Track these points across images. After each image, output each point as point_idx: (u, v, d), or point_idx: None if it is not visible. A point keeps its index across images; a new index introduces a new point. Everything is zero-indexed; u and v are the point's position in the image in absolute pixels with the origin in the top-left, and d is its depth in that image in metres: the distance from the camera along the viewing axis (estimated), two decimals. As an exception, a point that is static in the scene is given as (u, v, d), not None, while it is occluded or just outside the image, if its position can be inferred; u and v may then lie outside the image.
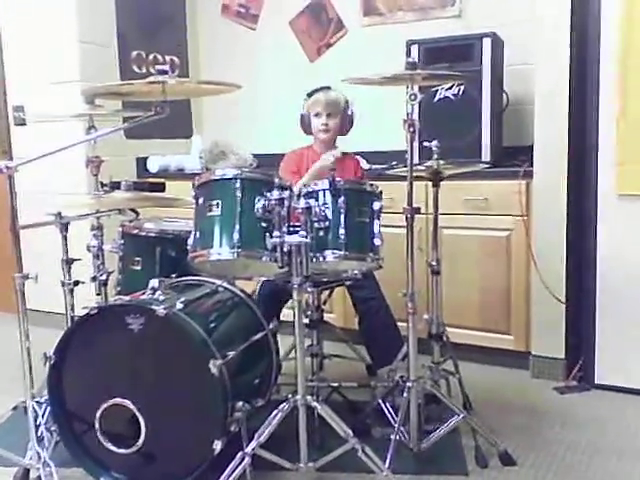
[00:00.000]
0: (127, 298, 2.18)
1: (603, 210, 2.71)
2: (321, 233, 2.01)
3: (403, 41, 3.13)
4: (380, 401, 2.36)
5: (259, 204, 1.95)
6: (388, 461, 2.00)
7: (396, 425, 2.12)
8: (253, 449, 1.92)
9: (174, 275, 2.34)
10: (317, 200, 2.03)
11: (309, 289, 2.23)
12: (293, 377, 2.01)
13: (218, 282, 2.35)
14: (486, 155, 2.98)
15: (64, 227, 2.31)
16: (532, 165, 2.83)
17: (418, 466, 2.15)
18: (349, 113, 2.71)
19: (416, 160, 2.12)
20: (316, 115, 2.69)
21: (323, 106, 2.67)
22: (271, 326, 2.32)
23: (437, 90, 3.03)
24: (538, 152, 2.82)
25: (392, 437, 2.08)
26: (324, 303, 2.70)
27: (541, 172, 2.82)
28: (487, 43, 2.96)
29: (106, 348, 2.05)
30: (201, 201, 2.03)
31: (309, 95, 2.71)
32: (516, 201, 2.85)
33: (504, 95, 3.18)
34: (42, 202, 2.16)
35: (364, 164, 3.27)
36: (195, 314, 2.09)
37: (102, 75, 3.62)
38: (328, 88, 2.70)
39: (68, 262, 2.37)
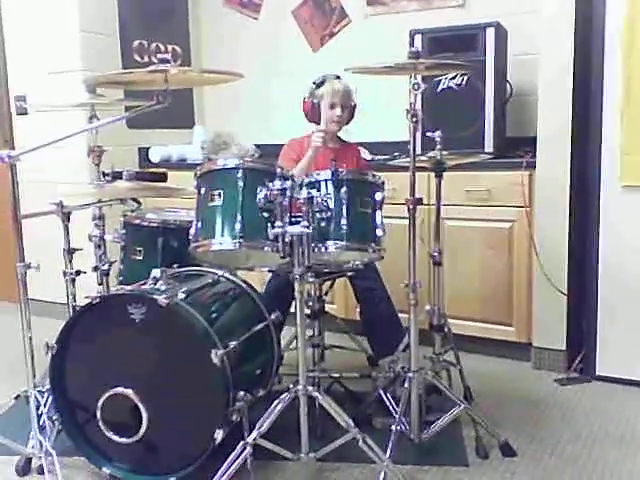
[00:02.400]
0: (129, 288, 2.17)
1: (606, 201, 2.70)
2: (323, 223, 2.00)
3: (407, 31, 3.11)
4: (381, 392, 2.37)
5: (261, 194, 1.94)
6: (389, 451, 2.00)
7: (397, 416, 2.12)
8: (254, 439, 1.93)
9: (176, 265, 2.34)
10: (319, 190, 2.02)
11: (311, 279, 2.24)
12: (294, 367, 2.01)
13: (220, 272, 2.35)
14: (489, 146, 2.97)
15: (66, 217, 2.31)
16: (535, 156, 2.82)
17: (419, 457, 2.15)
18: (354, 105, 2.68)
19: (419, 150, 2.11)
20: (330, 106, 2.62)
21: (340, 97, 2.60)
22: (273, 317, 2.32)
23: (440, 80, 3.02)
24: (541, 143, 2.80)
25: (393, 428, 2.08)
26: (325, 294, 2.70)
27: (544, 163, 2.80)
28: (491, 33, 2.94)
29: (108, 338, 2.05)
30: (203, 191, 2.03)
31: (319, 84, 2.63)
32: (519, 192, 2.84)
33: (508, 85, 3.17)
34: (44, 191, 2.16)
35: (367, 155, 3.26)
36: (197, 304, 2.09)
37: (104, 64, 3.60)
38: (338, 77, 2.65)
39: (70, 252, 2.37)
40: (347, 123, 2.71)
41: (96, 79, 2.21)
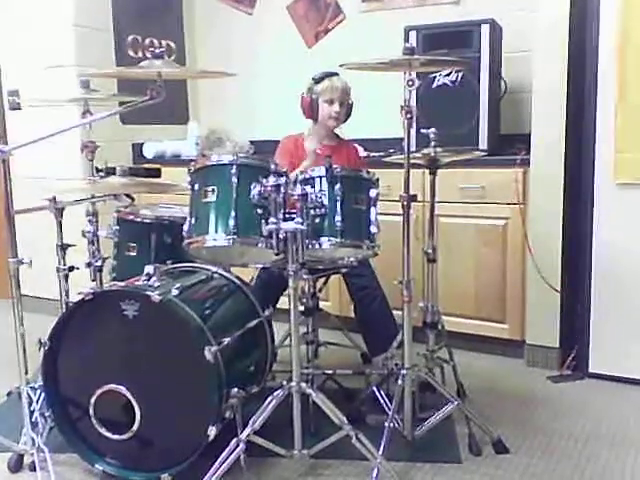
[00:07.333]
0: (122, 284, 2.17)
1: (600, 198, 2.70)
2: (317, 220, 2.00)
3: (401, 27, 3.11)
4: (375, 389, 2.37)
5: (255, 190, 1.94)
6: (382, 448, 2.00)
7: (390, 413, 2.12)
8: (247, 435, 1.93)
9: (169, 261, 2.33)
10: (313, 187, 2.01)
11: (305, 276, 2.23)
12: (288, 364, 2.01)
13: (213, 269, 2.34)
14: (483, 143, 2.97)
15: (59, 212, 2.30)
16: (529, 153, 2.82)
17: (412, 454, 2.15)
18: (351, 103, 2.68)
19: (413, 147, 2.10)
20: (329, 102, 2.63)
21: (339, 93, 2.62)
22: (267, 313, 2.32)
23: (435, 77, 3.01)
24: (535, 140, 2.80)
25: (386, 424, 2.08)
26: (320, 291, 2.69)
27: (538, 160, 2.81)
28: (485, 30, 2.94)
29: (101, 334, 2.04)
30: (197, 187, 2.02)
31: (318, 80, 2.64)
32: (513, 189, 2.84)
33: (502, 82, 3.17)
34: (37, 187, 2.14)
35: (361, 151, 3.26)
36: (190, 300, 2.08)
37: (98, 60, 3.59)
38: (336, 74, 2.65)
39: (63, 248, 2.36)
40: (344, 121, 2.71)
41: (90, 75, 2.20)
